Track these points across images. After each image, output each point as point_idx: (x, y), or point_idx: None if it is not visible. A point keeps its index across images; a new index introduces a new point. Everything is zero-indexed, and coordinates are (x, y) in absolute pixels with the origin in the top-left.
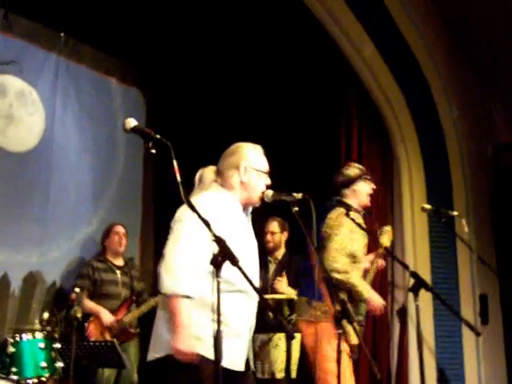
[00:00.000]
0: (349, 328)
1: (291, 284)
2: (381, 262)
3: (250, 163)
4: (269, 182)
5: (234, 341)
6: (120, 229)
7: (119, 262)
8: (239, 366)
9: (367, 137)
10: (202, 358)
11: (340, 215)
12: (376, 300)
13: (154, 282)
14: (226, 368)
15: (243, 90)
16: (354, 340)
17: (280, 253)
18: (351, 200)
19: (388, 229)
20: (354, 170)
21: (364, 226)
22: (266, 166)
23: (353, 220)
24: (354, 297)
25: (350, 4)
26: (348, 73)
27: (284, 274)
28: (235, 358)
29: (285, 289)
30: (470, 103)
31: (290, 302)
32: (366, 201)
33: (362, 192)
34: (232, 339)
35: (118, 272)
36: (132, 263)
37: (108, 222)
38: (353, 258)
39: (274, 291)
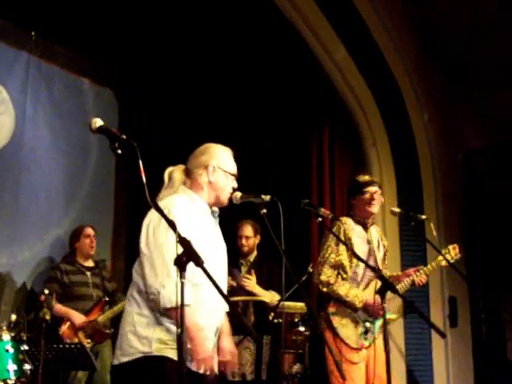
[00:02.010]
0: (346, 332)
1: (262, 286)
2: (421, 279)
3: (219, 163)
4: (236, 185)
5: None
6: (90, 231)
7: (89, 263)
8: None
9: (339, 141)
10: (170, 361)
11: (336, 226)
12: (371, 304)
13: (125, 281)
14: (194, 371)
15: (215, 92)
16: (354, 344)
17: (252, 256)
18: (357, 211)
19: (453, 247)
20: (350, 183)
21: (365, 235)
22: (234, 169)
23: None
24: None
25: (323, 8)
26: (320, 77)
27: (253, 272)
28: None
29: (254, 287)
30: (440, 109)
31: (256, 303)
32: (369, 209)
33: (358, 206)
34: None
35: (87, 273)
36: (103, 264)
37: (80, 222)
38: (340, 268)
39: (244, 290)
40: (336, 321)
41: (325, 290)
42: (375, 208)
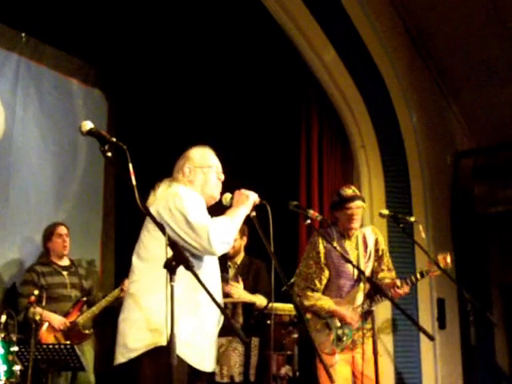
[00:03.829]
0: (319, 337)
1: (249, 288)
2: (398, 291)
3: (193, 163)
4: (222, 176)
5: (205, 341)
6: (63, 230)
7: (64, 262)
8: (208, 367)
9: (328, 142)
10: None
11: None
12: (339, 315)
13: (115, 281)
14: (196, 368)
15: (205, 93)
16: (326, 349)
17: (239, 258)
18: (340, 223)
19: (442, 256)
20: (334, 196)
21: (345, 245)
22: (211, 161)
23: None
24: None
25: (312, 9)
26: (309, 78)
27: (240, 279)
28: (205, 359)
29: (241, 294)
30: (429, 111)
31: (245, 305)
32: (350, 225)
33: (340, 219)
34: (203, 339)
35: (64, 273)
36: (78, 261)
37: (69, 223)
38: (309, 280)
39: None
40: (311, 326)
41: (297, 299)
42: (356, 224)
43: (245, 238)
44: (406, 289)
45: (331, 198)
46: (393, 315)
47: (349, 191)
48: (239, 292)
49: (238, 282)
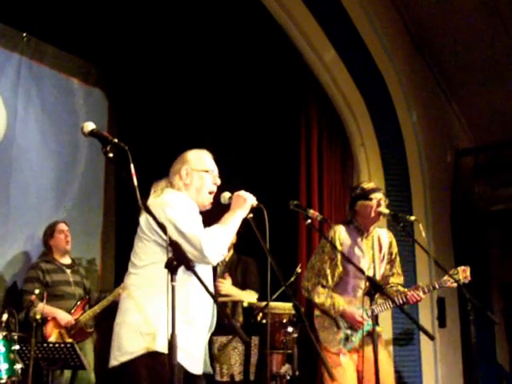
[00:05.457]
0: (326, 335)
1: (238, 284)
2: (414, 295)
3: (191, 165)
4: (218, 181)
5: (196, 346)
6: (64, 226)
7: (66, 260)
8: (199, 370)
9: (327, 141)
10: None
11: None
12: (349, 315)
13: (115, 280)
14: (187, 370)
15: (205, 93)
16: (332, 348)
17: (228, 255)
18: (360, 218)
19: (462, 269)
20: (356, 190)
21: (361, 243)
22: (209, 166)
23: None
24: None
25: (312, 9)
26: (308, 77)
27: (227, 275)
28: (197, 363)
29: (228, 289)
30: (430, 110)
31: (235, 304)
32: (373, 217)
33: (362, 213)
34: (194, 340)
35: (68, 271)
36: (78, 260)
37: (69, 222)
38: (322, 276)
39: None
40: (318, 323)
41: (306, 295)
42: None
43: (236, 236)
44: (422, 295)
45: (353, 192)
46: (392, 312)
47: (370, 184)
48: (226, 287)
49: (224, 278)
